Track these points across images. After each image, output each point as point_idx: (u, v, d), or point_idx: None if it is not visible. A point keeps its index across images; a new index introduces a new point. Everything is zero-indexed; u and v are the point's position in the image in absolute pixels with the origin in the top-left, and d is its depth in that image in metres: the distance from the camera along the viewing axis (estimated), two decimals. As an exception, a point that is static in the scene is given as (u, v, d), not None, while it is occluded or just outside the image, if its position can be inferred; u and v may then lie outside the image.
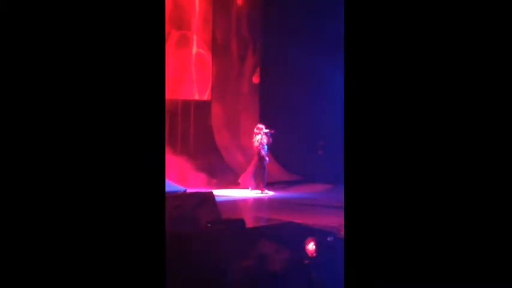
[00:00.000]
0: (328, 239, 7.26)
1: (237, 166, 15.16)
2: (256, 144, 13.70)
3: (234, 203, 12.38)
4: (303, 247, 6.77)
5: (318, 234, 7.43)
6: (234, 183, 14.28)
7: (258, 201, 13.02)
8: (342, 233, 7.69)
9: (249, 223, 9.10)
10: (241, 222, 8.05)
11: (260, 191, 13.57)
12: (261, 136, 13.64)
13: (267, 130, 13.68)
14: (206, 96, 15.35)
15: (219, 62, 15.35)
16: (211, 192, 9.98)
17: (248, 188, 13.75)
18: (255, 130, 13.81)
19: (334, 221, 9.13)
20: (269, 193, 13.63)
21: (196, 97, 15.24)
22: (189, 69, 14.97)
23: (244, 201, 12.99)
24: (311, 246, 6.82)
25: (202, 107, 15.26)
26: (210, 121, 15.28)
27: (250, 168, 13.98)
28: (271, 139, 13.75)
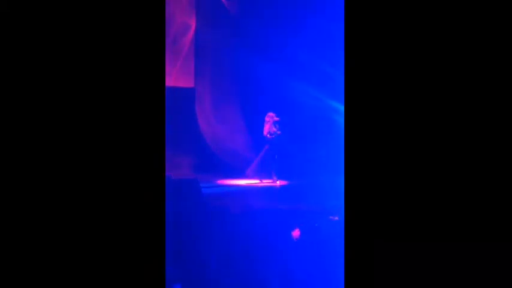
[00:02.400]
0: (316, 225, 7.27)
1: (226, 154, 15.00)
2: (264, 133, 13.43)
3: (228, 192, 12.24)
4: (287, 231, 6.74)
5: (305, 218, 7.43)
6: (219, 172, 14.12)
7: (258, 190, 12.82)
8: (331, 217, 7.72)
9: (235, 209, 9.07)
10: (225, 208, 8.06)
11: (271, 181, 13.32)
12: (269, 125, 13.33)
13: (277, 119, 13.24)
14: (189, 83, 15.18)
15: (202, 45, 15.16)
16: (197, 179, 9.93)
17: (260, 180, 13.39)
18: (266, 119, 13.42)
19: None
20: (278, 182, 13.32)
21: (179, 84, 15.05)
22: (171, 54, 14.75)
23: (242, 190, 12.80)
24: (296, 232, 6.80)
25: (186, 93, 15.08)
26: (194, 108, 15.11)
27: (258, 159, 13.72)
28: (276, 128, 13.35)
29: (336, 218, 7.33)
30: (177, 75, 14.96)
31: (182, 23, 14.87)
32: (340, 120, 12.93)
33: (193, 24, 15.03)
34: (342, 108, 12.50)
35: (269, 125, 13.35)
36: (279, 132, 13.35)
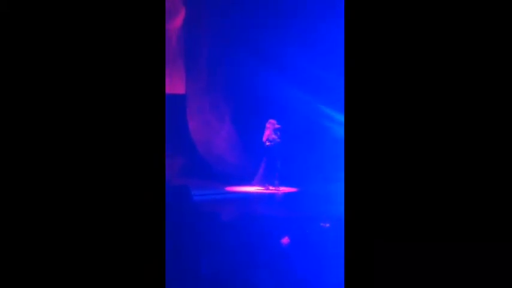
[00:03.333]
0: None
1: (218, 162, 14.92)
2: (264, 139, 13.37)
3: (222, 200, 12.17)
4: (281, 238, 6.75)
5: (296, 225, 7.44)
6: (210, 178, 14.04)
7: (256, 197, 12.75)
8: (322, 224, 7.71)
9: (225, 217, 9.04)
10: (215, 215, 8.06)
11: (264, 188, 13.26)
12: (269, 132, 13.29)
13: (278, 126, 13.13)
14: (180, 90, 15.10)
15: (192, 52, 15.09)
16: (187, 186, 9.89)
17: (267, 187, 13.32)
18: (267, 125, 13.28)
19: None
20: (278, 189, 13.24)
21: (170, 91, 14.96)
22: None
23: (238, 198, 12.70)
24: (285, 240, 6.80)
25: (177, 101, 15.00)
26: (186, 115, 15.03)
27: (262, 168, 13.62)
28: (276, 135, 13.30)
29: (327, 225, 7.33)
30: (168, 82, 14.86)
31: (172, 26, 14.79)
32: (334, 126, 12.96)
33: (181, 22, 14.92)
34: (338, 116, 12.50)
35: (269, 132, 13.29)
36: (278, 140, 13.31)
